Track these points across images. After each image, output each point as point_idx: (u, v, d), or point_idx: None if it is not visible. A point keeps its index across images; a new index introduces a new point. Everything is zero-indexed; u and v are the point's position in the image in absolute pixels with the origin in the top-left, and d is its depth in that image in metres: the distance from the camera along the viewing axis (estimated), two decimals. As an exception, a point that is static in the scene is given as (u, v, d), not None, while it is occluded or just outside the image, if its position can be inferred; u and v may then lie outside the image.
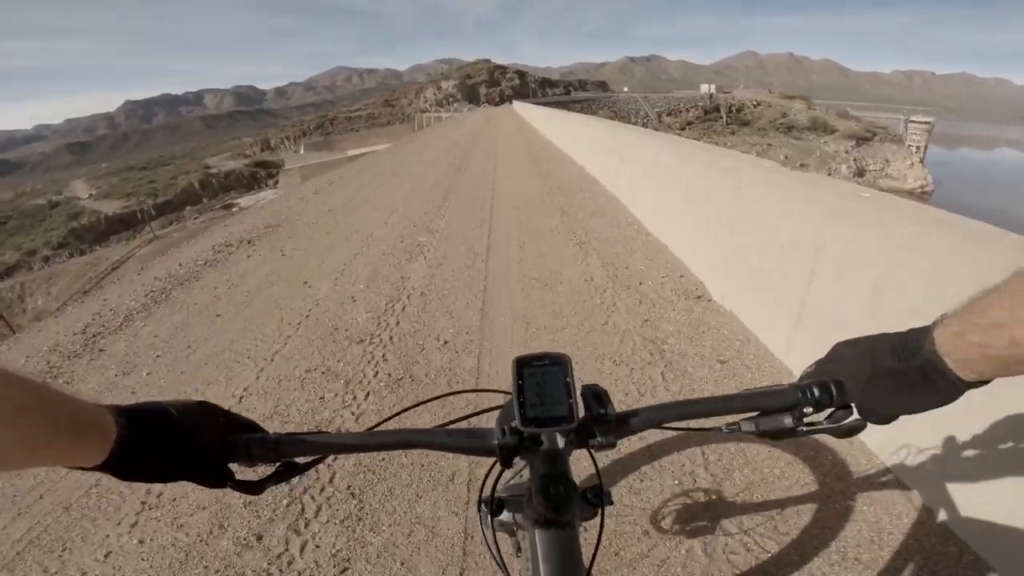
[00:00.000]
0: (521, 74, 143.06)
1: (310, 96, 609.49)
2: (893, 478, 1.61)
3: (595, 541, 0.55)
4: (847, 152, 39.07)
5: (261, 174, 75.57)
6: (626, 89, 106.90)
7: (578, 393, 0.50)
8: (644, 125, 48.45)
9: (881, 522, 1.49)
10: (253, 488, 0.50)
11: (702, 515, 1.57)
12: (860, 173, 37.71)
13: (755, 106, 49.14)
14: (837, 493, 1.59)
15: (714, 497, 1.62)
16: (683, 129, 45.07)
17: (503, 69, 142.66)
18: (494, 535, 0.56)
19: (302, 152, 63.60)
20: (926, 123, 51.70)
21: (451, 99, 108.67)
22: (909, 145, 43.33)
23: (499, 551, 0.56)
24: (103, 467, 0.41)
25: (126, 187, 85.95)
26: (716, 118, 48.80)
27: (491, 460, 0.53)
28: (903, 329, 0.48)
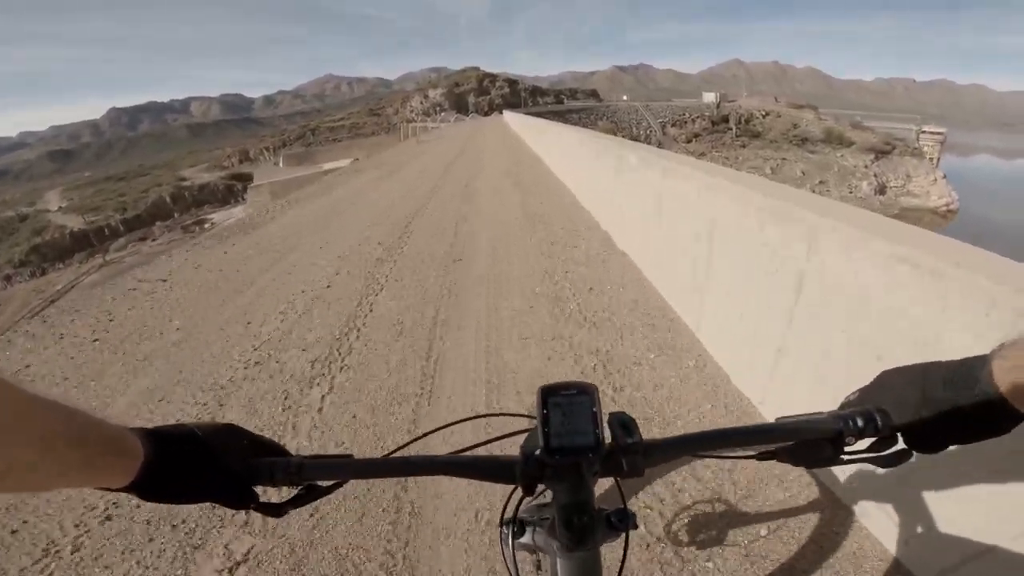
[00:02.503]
0: (511, 82, 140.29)
1: (299, 105, 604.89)
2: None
3: (619, 563, 0.54)
4: (866, 167, 36.23)
5: (237, 187, 71.73)
6: (625, 97, 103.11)
7: (604, 422, 0.49)
8: (647, 138, 45.31)
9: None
10: (276, 511, 0.50)
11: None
12: (881, 190, 34.83)
13: (763, 116, 46.30)
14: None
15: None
16: (689, 142, 42.03)
17: (492, 77, 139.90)
18: (514, 557, 0.55)
19: (281, 165, 60.22)
20: (939, 134, 49.33)
21: (438, 108, 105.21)
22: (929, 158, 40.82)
23: (518, 573, 0.56)
24: (129, 488, 0.41)
25: (97, 200, 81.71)
26: (724, 129, 45.76)
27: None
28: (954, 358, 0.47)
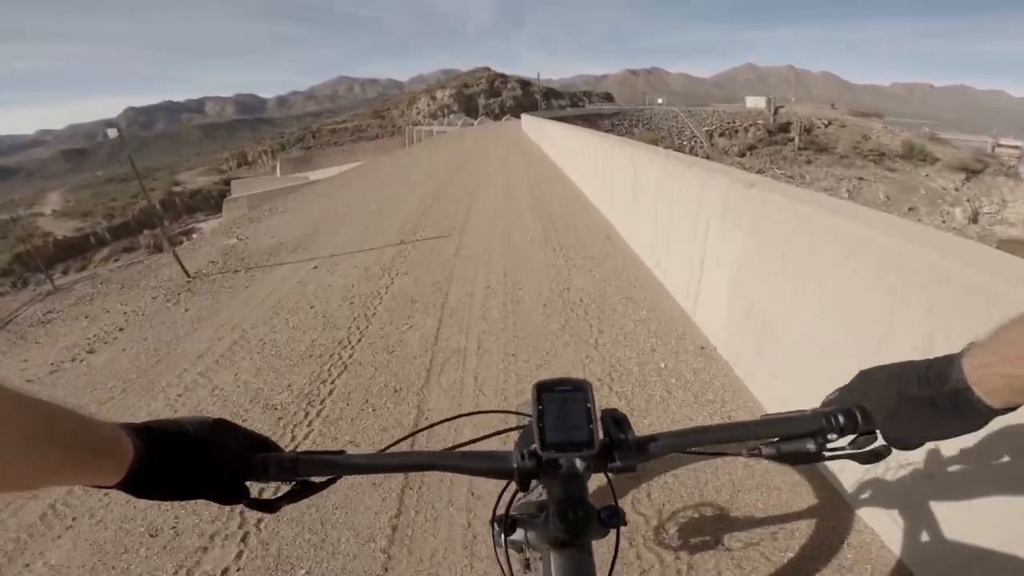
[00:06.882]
0: (524, 83, 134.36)
1: (311, 105, 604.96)
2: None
3: (609, 560, 0.55)
4: (957, 189, 30.05)
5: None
6: (660, 101, 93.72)
7: (598, 418, 0.50)
8: (692, 149, 39.43)
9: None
10: (269, 506, 0.50)
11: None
12: (974, 218, 28.63)
13: (825, 125, 40.19)
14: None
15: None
16: (743, 155, 36.07)
17: (504, 78, 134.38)
18: (507, 553, 0.56)
19: (278, 171, 55.56)
20: (1016, 147, 42.82)
21: (446, 110, 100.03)
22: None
23: (511, 570, 0.57)
24: (120, 486, 0.41)
25: (89, 204, 77.88)
26: (783, 141, 39.67)
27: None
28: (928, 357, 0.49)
